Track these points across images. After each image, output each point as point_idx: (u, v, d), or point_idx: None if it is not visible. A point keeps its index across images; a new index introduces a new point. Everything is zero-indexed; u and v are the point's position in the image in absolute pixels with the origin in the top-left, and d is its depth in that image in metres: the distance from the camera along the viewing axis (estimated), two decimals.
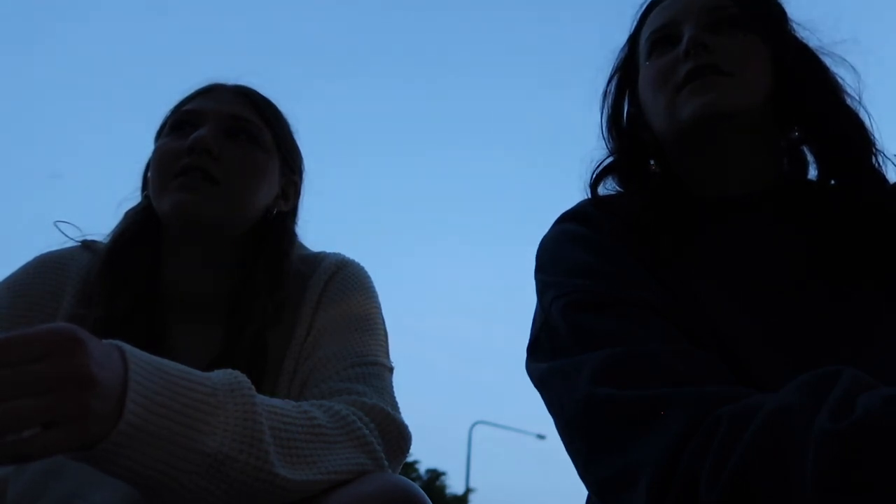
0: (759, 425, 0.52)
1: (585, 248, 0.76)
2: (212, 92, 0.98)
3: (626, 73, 0.92)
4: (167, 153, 0.91)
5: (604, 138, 0.91)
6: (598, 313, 0.68)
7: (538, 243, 0.83)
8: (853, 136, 0.80)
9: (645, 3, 0.91)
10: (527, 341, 0.77)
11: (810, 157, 0.85)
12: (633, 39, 0.92)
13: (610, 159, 0.89)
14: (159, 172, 0.91)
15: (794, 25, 0.86)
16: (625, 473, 0.58)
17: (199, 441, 0.60)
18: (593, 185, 0.87)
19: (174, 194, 0.87)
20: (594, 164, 0.89)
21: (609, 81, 0.93)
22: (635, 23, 0.91)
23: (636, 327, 0.66)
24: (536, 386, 0.73)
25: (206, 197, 0.88)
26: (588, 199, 0.86)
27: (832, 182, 0.82)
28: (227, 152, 0.90)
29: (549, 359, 0.70)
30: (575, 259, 0.75)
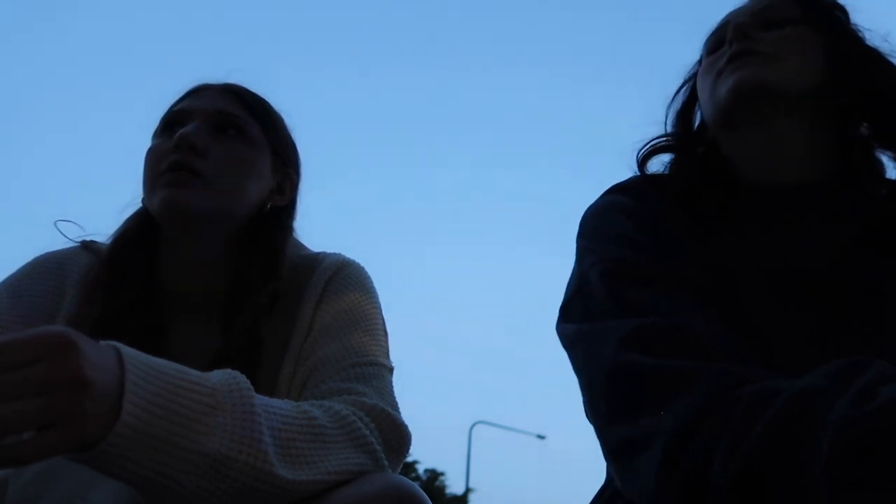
0: (780, 407, 0.52)
1: (630, 220, 0.76)
2: (200, 91, 0.99)
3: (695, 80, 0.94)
4: (155, 153, 0.92)
5: (665, 123, 0.93)
6: (635, 284, 0.69)
7: (583, 211, 0.84)
8: None
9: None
10: (559, 303, 0.77)
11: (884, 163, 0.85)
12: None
13: (663, 140, 0.90)
14: (148, 172, 0.92)
15: (861, 29, 0.87)
16: (640, 439, 0.59)
17: (197, 442, 0.60)
18: (642, 161, 0.88)
19: (162, 191, 0.88)
20: (646, 142, 0.89)
21: (683, 83, 0.95)
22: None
23: (671, 301, 0.66)
24: (564, 346, 0.74)
25: (194, 192, 0.88)
26: (639, 175, 0.87)
27: None
28: (214, 148, 0.91)
29: (579, 321, 0.71)
30: (619, 229, 0.76)
